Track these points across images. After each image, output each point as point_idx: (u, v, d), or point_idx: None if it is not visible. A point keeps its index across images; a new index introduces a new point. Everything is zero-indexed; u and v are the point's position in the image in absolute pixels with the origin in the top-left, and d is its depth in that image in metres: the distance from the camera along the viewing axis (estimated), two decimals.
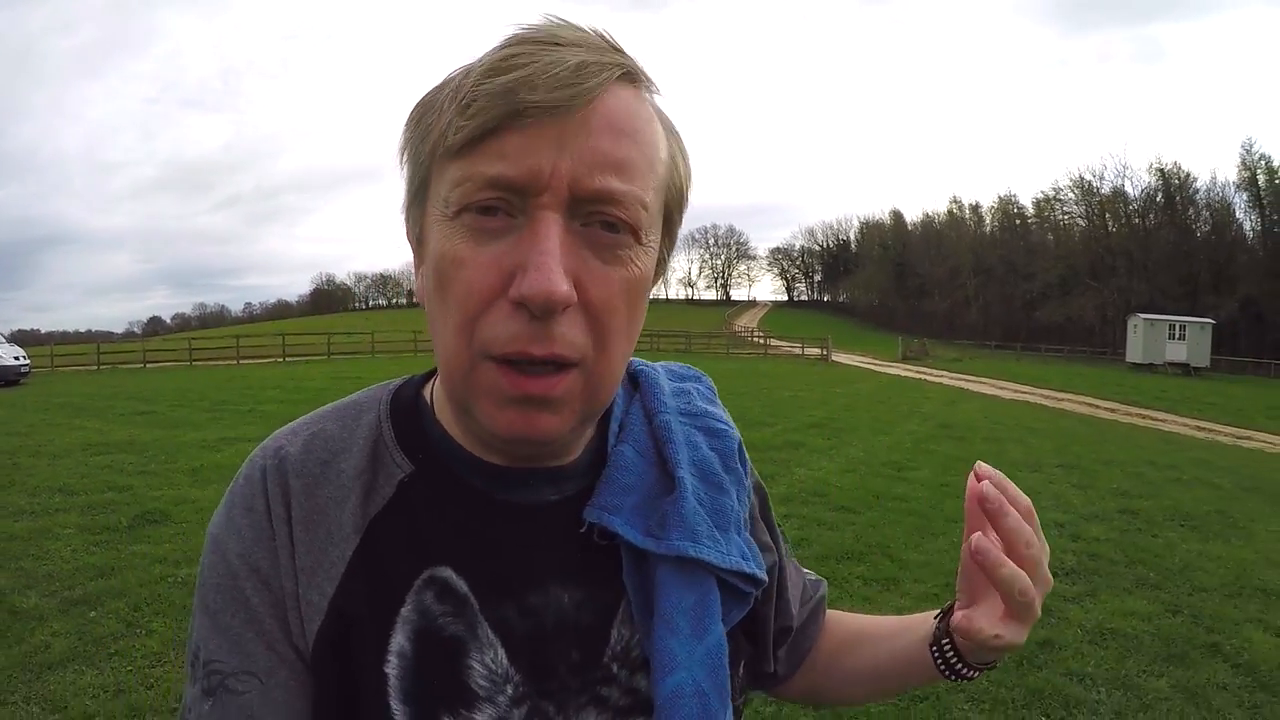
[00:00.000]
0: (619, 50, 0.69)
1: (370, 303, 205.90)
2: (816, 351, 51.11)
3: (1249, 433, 20.34)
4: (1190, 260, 71.46)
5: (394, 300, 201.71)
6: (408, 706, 0.73)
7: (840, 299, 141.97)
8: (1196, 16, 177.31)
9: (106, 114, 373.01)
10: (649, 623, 0.78)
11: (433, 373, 0.85)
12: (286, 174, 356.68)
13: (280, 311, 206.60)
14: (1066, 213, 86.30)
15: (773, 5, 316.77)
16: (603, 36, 0.70)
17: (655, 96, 0.73)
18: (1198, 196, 77.13)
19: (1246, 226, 74.18)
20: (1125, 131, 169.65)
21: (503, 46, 0.67)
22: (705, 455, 0.87)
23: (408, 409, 0.83)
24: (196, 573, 0.80)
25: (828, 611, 1.10)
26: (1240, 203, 74.64)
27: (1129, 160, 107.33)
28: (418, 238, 0.74)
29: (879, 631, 1.03)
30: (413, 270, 0.78)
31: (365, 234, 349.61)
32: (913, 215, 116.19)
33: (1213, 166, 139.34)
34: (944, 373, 39.56)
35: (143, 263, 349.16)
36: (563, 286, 0.64)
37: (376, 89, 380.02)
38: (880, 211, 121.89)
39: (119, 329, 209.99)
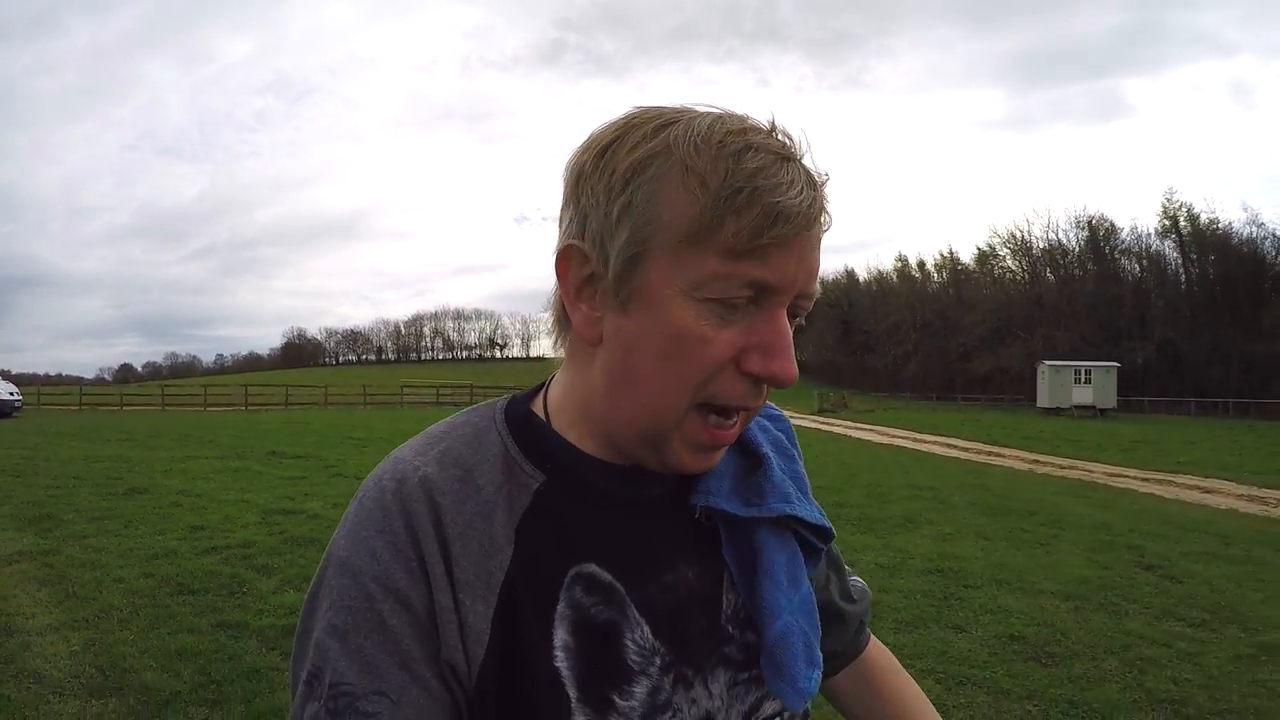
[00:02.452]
0: (815, 172, 0.83)
1: (340, 358, 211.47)
2: None
3: (1051, 459, 23.93)
4: (1113, 307, 76.16)
5: (364, 356, 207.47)
6: (581, 693, 0.82)
7: (799, 357, 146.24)
8: (1139, 74, 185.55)
9: (85, 158, 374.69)
10: (751, 582, 0.94)
11: (536, 391, 0.99)
12: (261, 226, 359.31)
13: (250, 364, 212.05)
14: (1002, 267, 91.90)
15: (733, 84, 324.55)
16: (805, 153, 0.83)
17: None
18: (1123, 246, 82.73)
19: (1169, 271, 79.38)
20: (1062, 185, 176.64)
21: (748, 146, 0.79)
22: (774, 435, 1.08)
23: (523, 424, 0.93)
24: (308, 595, 0.84)
25: (893, 671, 1.25)
26: (1162, 249, 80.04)
27: (1059, 213, 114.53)
28: (629, 294, 0.82)
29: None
30: (562, 299, 0.89)
31: (338, 289, 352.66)
32: (865, 273, 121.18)
33: (1134, 216, 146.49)
34: (848, 423, 42.66)
35: (115, 309, 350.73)
36: (797, 371, 0.83)
37: (352, 143, 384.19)
38: (838, 270, 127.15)
39: (89, 374, 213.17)
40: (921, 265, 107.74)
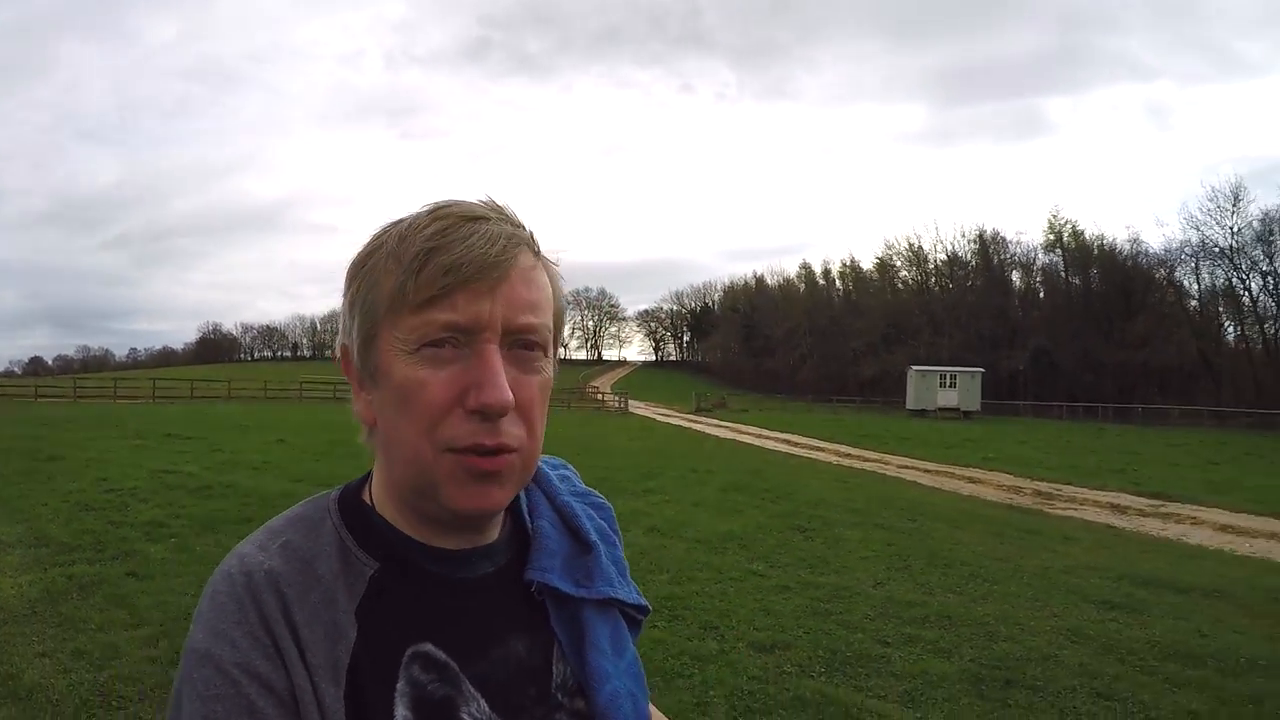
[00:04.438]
0: (519, 224, 0.99)
1: (255, 354, 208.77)
2: (617, 404, 58.32)
3: (849, 450, 26.91)
4: (996, 316, 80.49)
5: (279, 352, 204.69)
6: None
7: (700, 359, 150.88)
8: (1060, 94, 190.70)
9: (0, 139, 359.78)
10: (581, 652, 1.04)
11: (364, 480, 1.06)
12: (180, 215, 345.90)
13: (164, 358, 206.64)
14: (899, 275, 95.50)
15: (657, 89, 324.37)
16: (503, 209, 1.00)
17: (539, 250, 1.01)
18: (1011, 258, 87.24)
19: (1050, 284, 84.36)
20: (974, 198, 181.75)
21: (434, 218, 0.94)
22: (599, 524, 1.19)
23: (355, 513, 1.01)
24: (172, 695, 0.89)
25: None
26: (1045, 263, 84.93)
27: (956, 225, 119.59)
28: (372, 371, 0.97)
29: None
30: (353, 393, 1.02)
31: (258, 283, 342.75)
32: (772, 279, 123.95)
33: (1022, 230, 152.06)
34: (714, 421, 45.84)
35: (27, 299, 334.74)
36: (510, 396, 0.91)
37: (276, 134, 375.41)
38: (746, 276, 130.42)
39: None
40: (826, 272, 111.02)
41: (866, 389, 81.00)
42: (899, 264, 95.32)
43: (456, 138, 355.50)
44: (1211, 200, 74.19)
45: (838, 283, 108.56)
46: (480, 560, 1.05)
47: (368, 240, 1.02)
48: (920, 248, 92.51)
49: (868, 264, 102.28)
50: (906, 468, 23.62)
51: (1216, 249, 69.24)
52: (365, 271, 0.99)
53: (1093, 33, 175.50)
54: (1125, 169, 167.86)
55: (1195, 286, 74.08)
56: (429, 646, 0.96)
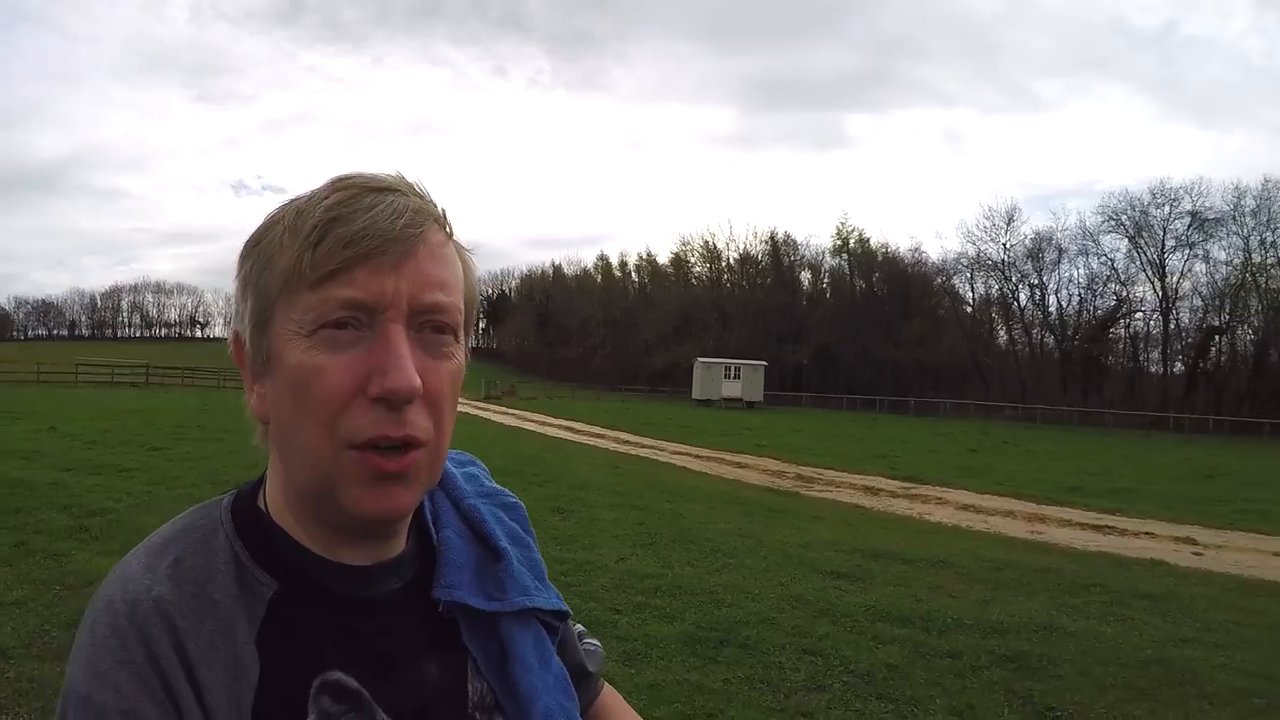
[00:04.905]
0: (426, 199, 0.90)
1: (30, 332, 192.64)
2: None
3: (636, 438, 27.52)
4: (783, 313, 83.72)
5: (55, 331, 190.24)
6: None
7: (495, 347, 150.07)
8: (863, 111, 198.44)
9: None
10: (504, 670, 0.98)
11: (258, 485, 0.97)
12: None
13: None
14: (693, 271, 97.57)
15: (470, 69, 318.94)
16: (412, 184, 0.91)
17: (451, 228, 0.93)
18: (801, 260, 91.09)
19: (835, 286, 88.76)
20: (775, 201, 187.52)
21: (334, 189, 0.86)
22: (510, 527, 1.11)
23: (251, 525, 0.91)
24: None
25: (622, 710, 1.26)
26: (832, 265, 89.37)
27: (751, 226, 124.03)
28: (264, 358, 0.87)
29: None
30: (245, 390, 0.92)
31: (34, 253, 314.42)
32: (570, 269, 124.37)
33: (812, 233, 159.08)
34: (498, 408, 45.96)
35: None
36: (417, 380, 0.83)
37: (63, 83, 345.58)
38: (544, 265, 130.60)
39: None
40: (623, 265, 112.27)
41: (657, 379, 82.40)
42: (693, 260, 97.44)
43: (261, 103, 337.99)
44: (988, 218, 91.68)
45: (634, 275, 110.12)
46: (387, 576, 0.95)
47: (263, 219, 0.92)
48: (714, 245, 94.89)
49: (664, 258, 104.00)
50: (680, 454, 24.16)
51: (989, 262, 76.71)
52: (259, 250, 0.89)
53: (902, 59, 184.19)
54: (916, 186, 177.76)
55: (970, 294, 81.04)
56: (338, 674, 0.87)
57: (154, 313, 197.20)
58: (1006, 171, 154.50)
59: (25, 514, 9.13)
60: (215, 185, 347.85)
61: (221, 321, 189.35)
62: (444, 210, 0.93)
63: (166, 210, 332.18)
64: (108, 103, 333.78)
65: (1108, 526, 13.56)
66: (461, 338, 0.93)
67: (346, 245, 0.83)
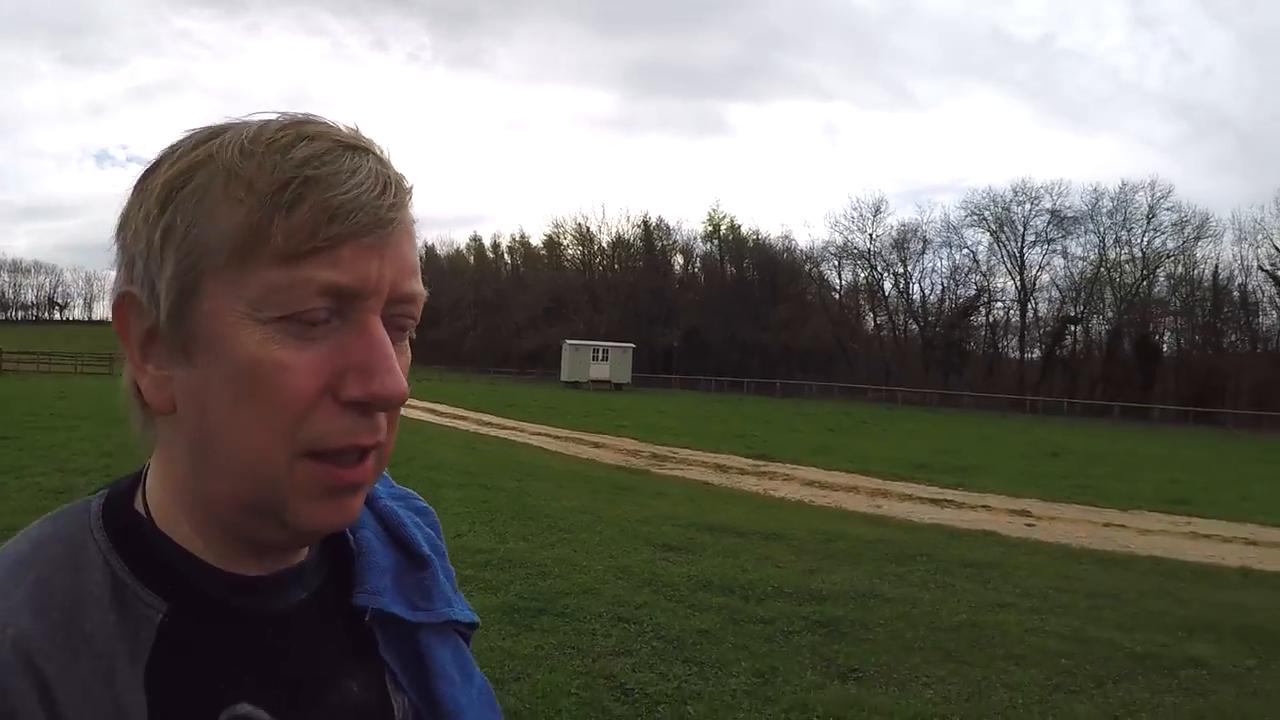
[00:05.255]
0: (394, 167, 0.74)
1: None
2: None
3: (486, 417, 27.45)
4: (654, 296, 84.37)
5: None
6: None
7: None
8: (743, 101, 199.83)
9: None
10: (426, 685, 0.86)
11: (134, 484, 0.79)
12: None
13: None
14: (566, 253, 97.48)
15: (349, 40, 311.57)
16: (373, 142, 0.75)
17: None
18: (674, 244, 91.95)
19: (706, 270, 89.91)
20: (652, 185, 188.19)
21: (299, 136, 0.69)
22: (427, 533, 0.98)
23: (130, 533, 0.74)
24: None
25: None
26: (704, 251, 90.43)
27: (625, 210, 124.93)
28: (187, 340, 0.70)
29: None
30: (130, 363, 0.74)
31: None
32: (443, 249, 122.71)
33: (683, 218, 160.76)
34: None
35: None
36: (405, 383, 0.71)
37: None
38: (419, 244, 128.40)
39: None
40: (496, 246, 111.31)
41: (527, 362, 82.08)
42: (566, 242, 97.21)
43: (127, 69, 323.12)
44: (855, 209, 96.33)
45: (507, 257, 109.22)
46: (293, 586, 0.80)
47: (180, 149, 0.72)
48: (588, 228, 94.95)
49: (538, 240, 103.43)
50: (539, 434, 24.06)
51: (856, 250, 79.48)
52: (189, 193, 0.69)
53: (786, 52, 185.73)
54: (791, 176, 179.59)
55: (838, 281, 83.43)
56: (247, 708, 0.72)
57: (9, 294, 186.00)
58: (879, 166, 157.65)
59: None
60: (77, 155, 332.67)
61: (81, 302, 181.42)
62: (411, 184, 0.77)
63: (24, 182, 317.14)
64: None
65: (947, 500, 13.94)
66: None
67: (331, 219, 0.66)
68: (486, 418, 29.40)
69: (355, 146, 0.71)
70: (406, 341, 0.76)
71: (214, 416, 0.69)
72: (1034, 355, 73.13)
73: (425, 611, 0.89)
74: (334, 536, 0.87)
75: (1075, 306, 70.60)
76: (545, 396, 44.62)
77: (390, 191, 0.70)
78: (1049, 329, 71.81)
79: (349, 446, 0.70)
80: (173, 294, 0.69)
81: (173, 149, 0.73)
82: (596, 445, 21.53)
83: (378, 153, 0.73)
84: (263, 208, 0.66)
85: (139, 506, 0.77)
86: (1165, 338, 69.13)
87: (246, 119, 0.72)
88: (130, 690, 0.66)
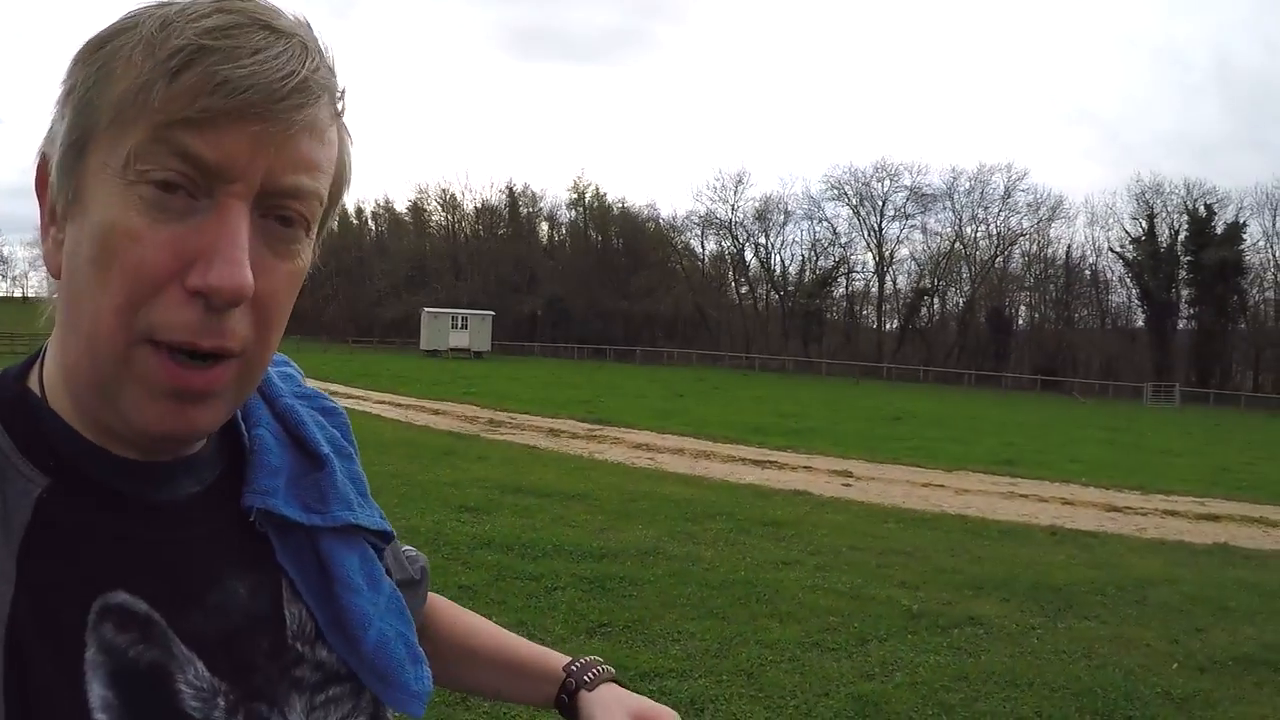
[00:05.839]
0: (326, 61, 0.70)
1: None
2: None
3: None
4: (516, 263, 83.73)
5: None
6: None
7: None
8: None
9: None
10: (328, 593, 0.81)
11: (32, 360, 0.77)
12: None
13: None
14: (431, 219, 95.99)
15: None
16: (314, 37, 0.70)
17: (342, 109, 0.74)
18: (540, 212, 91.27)
19: (570, 238, 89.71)
20: (492, 150, 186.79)
21: (217, 7, 0.66)
22: (331, 433, 0.91)
23: (17, 407, 0.72)
24: None
25: (451, 605, 1.18)
26: (569, 219, 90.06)
27: (482, 176, 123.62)
28: (70, 196, 0.67)
29: (498, 660, 1.12)
30: (40, 228, 0.72)
31: None
32: None
33: (547, 186, 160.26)
34: None
35: None
36: (250, 280, 0.65)
37: None
38: None
39: None
40: (359, 212, 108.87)
41: (390, 330, 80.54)
42: (431, 208, 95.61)
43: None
44: (718, 180, 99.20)
45: (370, 223, 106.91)
46: (183, 477, 0.75)
47: (119, 18, 0.68)
48: (453, 194, 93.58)
49: (402, 206, 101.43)
50: (383, 403, 23.49)
51: (718, 221, 80.00)
52: (100, 56, 0.66)
53: (663, 21, 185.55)
54: (657, 145, 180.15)
55: (701, 251, 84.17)
56: (124, 596, 0.68)
57: None
58: (746, 138, 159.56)
59: None
60: None
61: None
62: (344, 88, 0.73)
63: None
64: None
65: (770, 461, 13.96)
66: (314, 233, 0.74)
67: (214, 90, 0.62)
68: (334, 387, 28.45)
69: (275, 29, 0.66)
70: (300, 243, 0.71)
71: (75, 278, 0.67)
72: (892, 326, 75.46)
73: (320, 514, 0.82)
74: (230, 433, 0.83)
75: (932, 279, 72.94)
76: (400, 366, 43.69)
77: (295, 80, 0.65)
78: (907, 301, 74.05)
79: (185, 343, 0.65)
80: (64, 149, 0.67)
81: (120, 20, 0.69)
82: (436, 413, 21.01)
83: (305, 39, 0.68)
84: (152, 72, 0.63)
85: (33, 384, 0.74)
86: (1019, 311, 72.54)
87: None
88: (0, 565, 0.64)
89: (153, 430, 0.68)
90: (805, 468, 13.37)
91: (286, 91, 0.64)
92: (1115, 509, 11.32)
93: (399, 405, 22.88)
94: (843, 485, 11.92)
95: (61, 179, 0.68)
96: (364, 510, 0.87)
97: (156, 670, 0.69)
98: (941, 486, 12.33)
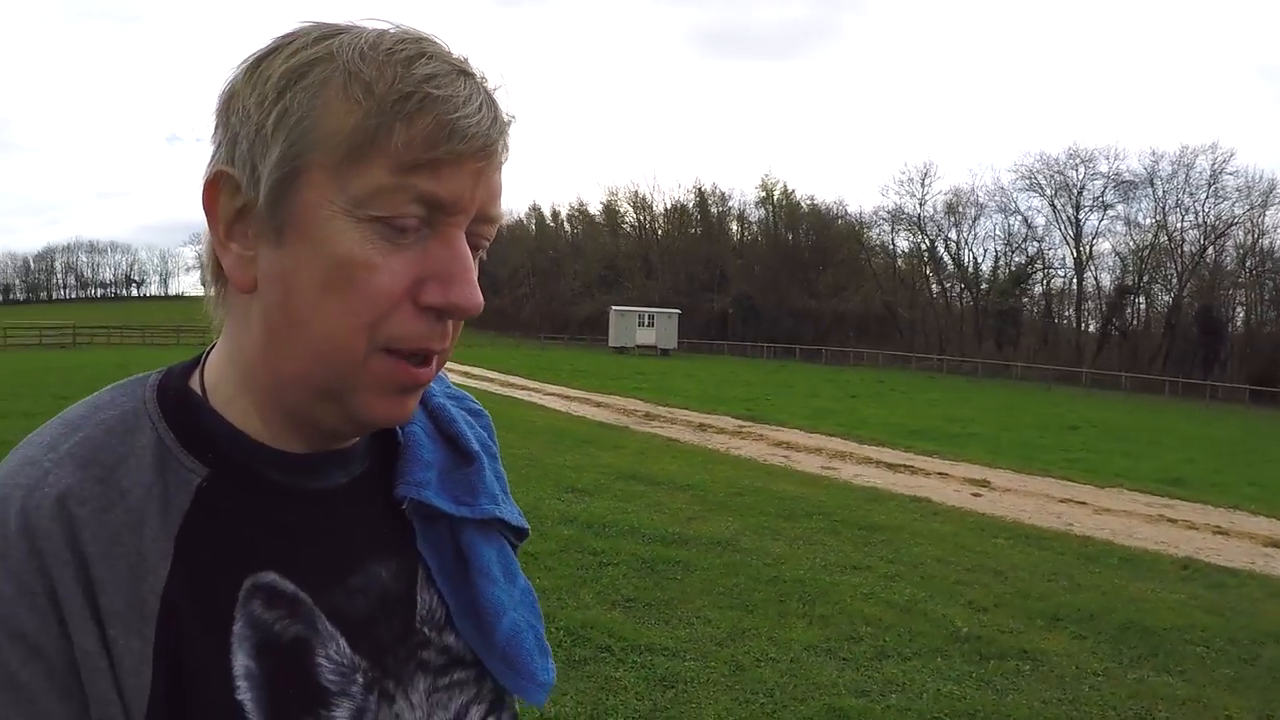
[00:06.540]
0: (497, 99, 0.77)
1: None
2: None
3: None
4: (705, 262, 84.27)
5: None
6: None
7: None
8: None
9: None
10: (466, 581, 0.87)
11: (193, 364, 0.83)
12: None
13: None
14: (624, 220, 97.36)
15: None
16: (484, 77, 0.77)
17: None
18: (727, 210, 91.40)
19: (759, 236, 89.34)
20: (681, 151, 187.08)
21: (419, 52, 0.72)
22: (478, 433, 0.98)
23: (180, 405, 0.78)
24: None
25: None
26: (758, 217, 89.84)
27: (670, 177, 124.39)
28: (282, 224, 0.72)
29: None
30: (214, 242, 0.76)
31: None
32: (507, 219, 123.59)
33: (734, 185, 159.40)
34: None
35: None
36: (482, 298, 0.75)
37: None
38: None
39: None
40: (555, 215, 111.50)
41: (584, 328, 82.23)
42: (623, 210, 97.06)
43: (193, 47, 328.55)
44: (904, 173, 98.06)
45: (566, 225, 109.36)
46: (333, 468, 0.83)
47: (297, 40, 0.74)
48: (644, 195, 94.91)
49: (595, 209, 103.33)
50: (552, 395, 24.20)
51: (907, 216, 77.61)
52: (306, 85, 0.71)
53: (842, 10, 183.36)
54: (843, 139, 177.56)
55: (891, 248, 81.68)
56: (273, 576, 0.75)
57: (88, 273, 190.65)
58: (931, 128, 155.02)
59: None
60: (148, 137, 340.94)
61: (158, 279, 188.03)
62: (513, 117, 0.79)
63: (98, 165, 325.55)
64: (38, 52, 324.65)
65: (905, 465, 13.67)
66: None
67: (449, 137, 0.70)
68: (514, 380, 29.54)
69: (468, 74, 0.73)
70: (479, 260, 0.79)
71: (299, 300, 0.72)
72: (1092, 327, 70.70)
73: (469, 507, 0.89)
74: (383, 429, 0.88)
75: (1135, 276, 67.43)
76: (585, 361, 44.57)
77: (497, 125, 0.73)
78: (1109, 299, 68.85)
79: (421, 349, 0.74)
80: (275, 178, 0.71)
81: (289, 38, 0.75)
82: (598, 405, 21.59)
83: (486, 85, 0.75)
84: (382, 113, 0.69)
85: (194, 385, 0.80)
86: (1235, 312, 65.11)
87: (359, 23, 0.75)
88: (157, 544, 0.70)
89: (381, 419, 0.77)
90: (940, 474, 13.04)
91: (495, 134, 0.73)
92: (1278, 545, 9.74)
93: (566, 397, 23.51)
94: (972, 495, 11.54)
95: (271, 207, 0.72)
96: (507, 507, 0.95)
97: (299, 645, 0.75)
98: (1082, 504, 11.49)
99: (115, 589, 0.67)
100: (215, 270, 0.78)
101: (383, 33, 0.74)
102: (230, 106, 0.75)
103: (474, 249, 0.77)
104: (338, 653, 0.77)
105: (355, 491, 0.84)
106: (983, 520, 9.77)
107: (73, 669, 0.66)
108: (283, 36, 0.75)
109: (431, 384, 0.92)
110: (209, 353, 0.83)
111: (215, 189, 0.75)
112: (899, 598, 6.46)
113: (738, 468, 12.14)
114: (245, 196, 0.73)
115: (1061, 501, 11.56)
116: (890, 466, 13.44)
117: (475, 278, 0.75)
